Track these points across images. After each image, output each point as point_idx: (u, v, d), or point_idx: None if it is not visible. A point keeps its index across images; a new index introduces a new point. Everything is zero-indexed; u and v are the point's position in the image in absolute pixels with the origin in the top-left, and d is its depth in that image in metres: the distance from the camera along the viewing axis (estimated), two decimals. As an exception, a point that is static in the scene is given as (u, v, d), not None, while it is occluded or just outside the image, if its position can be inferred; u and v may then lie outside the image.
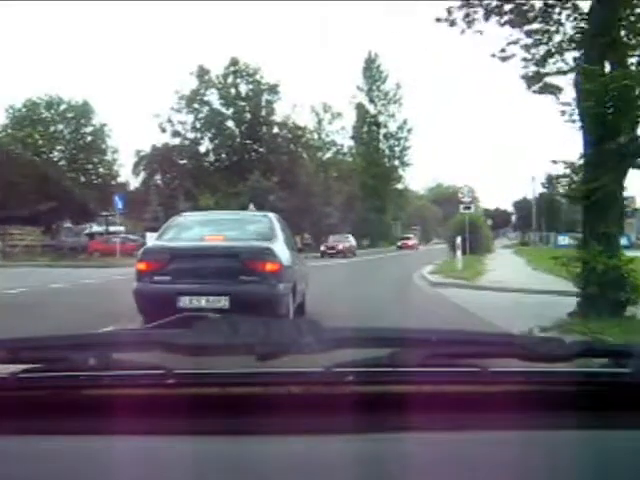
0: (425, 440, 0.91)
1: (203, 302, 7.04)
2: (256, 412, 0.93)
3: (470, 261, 20.63)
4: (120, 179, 44.62)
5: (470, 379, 0.98)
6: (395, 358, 0.97)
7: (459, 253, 19.30)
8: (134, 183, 47.23)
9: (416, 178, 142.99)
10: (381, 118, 61.28)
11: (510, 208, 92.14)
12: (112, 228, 43.79)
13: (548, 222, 70.53)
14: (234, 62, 47.76)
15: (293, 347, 0.97)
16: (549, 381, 1.00)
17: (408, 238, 57.10)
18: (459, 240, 19.63)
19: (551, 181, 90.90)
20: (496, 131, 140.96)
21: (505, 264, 23.68)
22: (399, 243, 54.70)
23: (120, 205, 27.89)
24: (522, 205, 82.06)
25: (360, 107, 59.74)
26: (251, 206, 31.72)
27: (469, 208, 31.91)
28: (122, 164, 45.01)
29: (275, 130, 48.30)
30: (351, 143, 60.65)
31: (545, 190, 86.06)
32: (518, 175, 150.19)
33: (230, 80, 48.20)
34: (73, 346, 1.03)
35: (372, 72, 60.98)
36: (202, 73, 48.58)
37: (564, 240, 48.72)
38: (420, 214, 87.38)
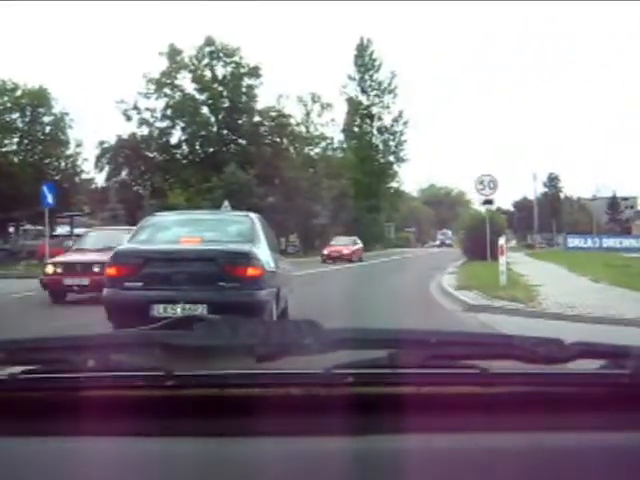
0: (424, 441, 0.94)
1: (179, 310, 6.61)
2: (256, 413, 0.97)
3: (498, 271, 15.54)
4: (85, 175, 41.85)
5: (469, 380, 1.02)
6: (394, 359, 1.00)
7: (503, 260, 13.14)
8: (100, 179, 44.85)
9: (408, 179, 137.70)
10: (374, 110, 58.27)
11: (508, 208, 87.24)
12: (79, 230, 40.10)
13: (551, 223, 65.84)
14: (210, 42, 43.52)
15: (293, 348, 1.00)
16: (548, 382, 1.04)
17: (342, 244, 34.41)
18: (503, 241, 13.46)
19: (553, 180, 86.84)
20: (492, 129, 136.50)
21: (545, 274, 18.84)
22: (325, 251, 33.64)
23: (50, 199, 21.57)
24: (522, 205, 77.27)
25: (351, 100, 57.16)
26: (226, 203, 28.31)
27: (490, 202, 25.15)
28: (87, 158, 41.69)
29: (256, 119, 42.38)
30: (342, 137, 57.99)
31: (546, 190, 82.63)
32: (516, 174, 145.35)
33: (205, 62, 42.23)
34: (72, 347, 1.06)
35: (364, 60, 57.92)
36: (173, 53, 45.00)
37: (574, 242, 44.68)
38: (414, 216, 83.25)
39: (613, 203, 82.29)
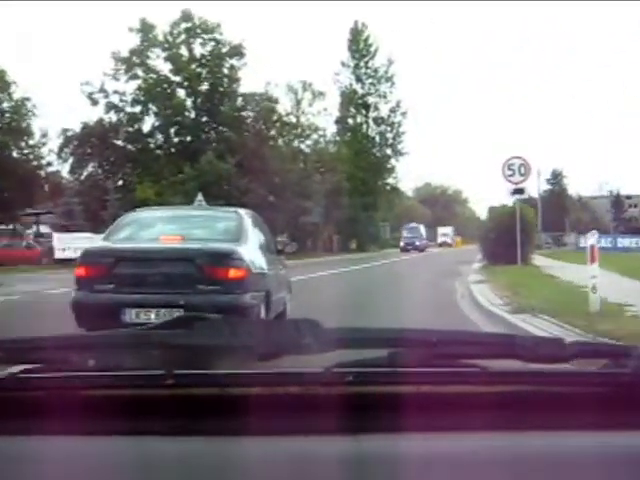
0: (424, 441, 0.98)
1: (152, 316, 6.33)
2: (255, 412, 1.00)
3: (545, 280, 13.28)
4: (52, 168, 39.68)
5: (470, 379, 1.04)
6: (395, 358, 1.03)
7: (595, 270, 7.99)
8: (66, 172, 42.34)
9: (402, 177, 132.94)
10: (370, 99, 55.03)
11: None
12: (45, 229, 37.99)
13: (556, 222, 63.97)
14: (187, 17, 38.92)
15: (292, 347, 1.04)
16: (549, 381, 1.07)
17: None
18: (594, 239, 8.37)
19: (557, 176, 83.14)
20: (492, 125, 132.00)
21: (609, 285, 12.76)
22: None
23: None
24: (526, 203, 72.89)
25: (345, 90, 54.41)
26: (199, 197, 25.36)
27: (521, 192, 19.90)
28: (53, 149, 39.16)
29: (239, 102, 37.62)
30: (335, 129, 54.57)
31: (550, 187, 79.56)
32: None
33: (182, 39, 38.00)
34: (72, 347, 1.09)
35: (359, 46, 54.67)
36: (145, 29, 41.27)
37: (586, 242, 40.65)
38: (409, 215, 79.68)
39: (616, 202, 78.89)
